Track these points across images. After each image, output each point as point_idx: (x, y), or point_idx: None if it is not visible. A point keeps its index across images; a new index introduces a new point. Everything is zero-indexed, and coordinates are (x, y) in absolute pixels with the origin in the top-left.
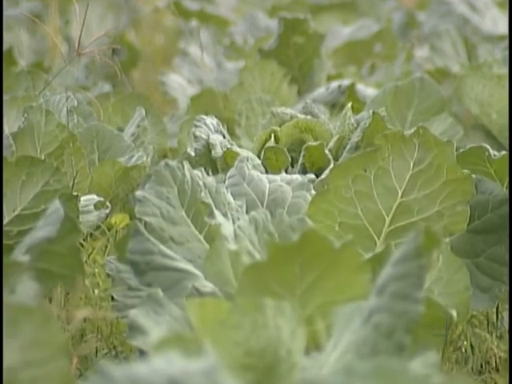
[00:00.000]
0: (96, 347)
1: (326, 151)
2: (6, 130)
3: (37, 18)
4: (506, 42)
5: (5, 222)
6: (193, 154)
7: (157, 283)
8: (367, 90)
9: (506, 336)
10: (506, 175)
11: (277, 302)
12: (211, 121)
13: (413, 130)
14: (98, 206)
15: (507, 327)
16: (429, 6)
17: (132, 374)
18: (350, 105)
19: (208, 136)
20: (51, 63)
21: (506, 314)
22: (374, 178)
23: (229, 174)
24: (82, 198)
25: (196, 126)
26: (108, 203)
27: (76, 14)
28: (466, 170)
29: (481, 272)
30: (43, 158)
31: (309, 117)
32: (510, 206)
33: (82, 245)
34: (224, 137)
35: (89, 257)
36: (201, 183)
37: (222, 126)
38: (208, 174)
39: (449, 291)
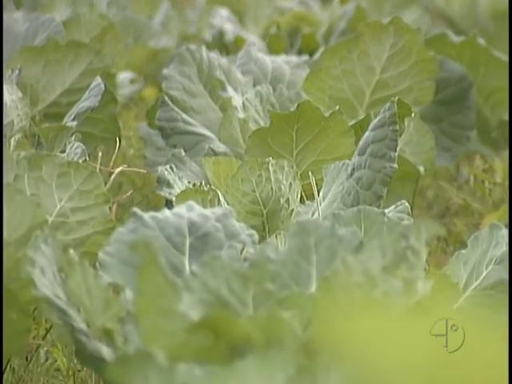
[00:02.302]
0: (131, 197)
1: (318, 37)
2: (58, 18)
3: None
4: None
5: (56, 95)
6: (210, 39)
7: (180, 145)
8: None
9: (464, 187)
10: (465, 57)
11: (277, 160)
12: (225, 12)
13: (389, 20)
14: (132, 81)
15: (464, 180)
16: None
17: (160, 219)
18: None
19: (222, 25)
20: None
21: (464, 170)
22: (357, 59)
23: (239, 55)
24: (120, 75)
25: (212, 17)
26: (141, 79)
27: None
28: (432, 53)
29: (444, 135)
30: (88, 42)
31: (304, 8)
32: (509, 204)
33: (119, 113)
34: (235, 25)
35: (125, 123)
36: (216, 63)
37: (234, 16)
38: (222, 55)
39: (417, 151)
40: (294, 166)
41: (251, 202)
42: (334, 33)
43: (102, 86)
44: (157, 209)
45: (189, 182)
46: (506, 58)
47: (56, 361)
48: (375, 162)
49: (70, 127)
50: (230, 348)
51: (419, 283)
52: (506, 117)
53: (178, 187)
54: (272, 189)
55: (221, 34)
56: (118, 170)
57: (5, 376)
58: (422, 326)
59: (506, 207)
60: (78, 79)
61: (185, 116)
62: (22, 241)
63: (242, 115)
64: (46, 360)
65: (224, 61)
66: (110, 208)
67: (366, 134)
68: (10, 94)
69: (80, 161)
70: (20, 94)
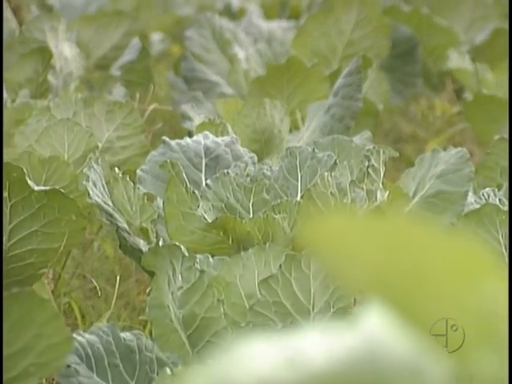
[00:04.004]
0: (161, 128)
1: (303, 7)
2: None
3: None
4: None
5: (105, 51)
6: (221, 8)
7: (199, 89)
8: None
9: (413, 120)
10: (413, 22)
11: (272, 100)
12: None
13: None
14: (162, 41)
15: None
16: None
17: (183, 144)
18: None
19: (230, 3)
20: None
21: (413, 107)
22: (332, 24)
23: (243, 21)
24: (152, 36)
25: None
26: (168, 39)
27: None
28: (387, 19)
29: (397, 81)
30: (128, 11)
31: None
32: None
33: (152, 65)
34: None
35: (157, 73)
36: (226, 27)
37: None
38: (230, 21)
39: (377, 93)
40: (285, 105)
41: (252, 132)
42: (314, 4)
43: (139, 44)
44: (181, 137)
45: (205, 117)
46: (444, 22)
47: (105, 251)
48: (345, 102)
49: (115, 76)
50: (236, 242)
51: (378, 193)
52: (444, 67)
53: (197, 121)
54: (268, 122)
55: (229, 5)
56: (151, 107)
57: (67, 263)
58: (380, 225)
59: (444, 135)
60: (120, 39)
61: (202, 67)
62: (79, 161)
63: (245, 66)
64: (98, 250)
65: (231, 25)
66: (145, 136)
67: (339, 80)
68: (71, 50)
69: (123, 101)
70: (77, 50)
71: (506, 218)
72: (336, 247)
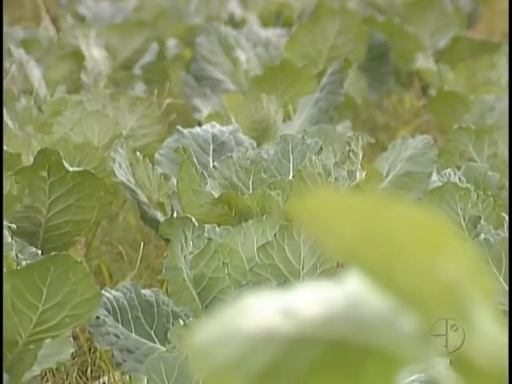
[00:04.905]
0: (175, 119)
1: (294, 17)
2: (130, 6)
3: None
4: None
5: (128, 54)
6: (226, 18)
7: (207, 86)
8: None
9: (386, 112)
10: (387, 31)
11: (268, 96)
12: (235, 0)
13: (339, 6)
14: (176, 46)
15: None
16: None
17: (194, 132)
18: None
19: (233, 9)
20: None
21: (386, 101)
22: (318, 32)
23: (244, 29)
24: (169, 42)
25: (227, 3)
26: (182, 44)
27: None
28: (365, 28)
29: (373, 80)
30: (148, 21)
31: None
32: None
33: (168, 66)
34: (242, 9)
35: (172, 72)
36: (229, 34)
37: (241, 3)
38: (233, 29)
39: (356, 89)
40: (279, 100)
41: (251, 122)
42: (304, 15)
43: (157, 48)
44: (192, 126)
45: (212, 110)
46: (412, 30)
47: (129, 221)
48: (330, 97)
49: (137, 75)
50: (238, 215)
51: (357, 173)
52: (412, 68)
53: (206, 113)
54: (265, 114)
55: (232, 15)
56: (167, 101)
57: (97, 232)
58: (358, 201)
59: (412, 125)
60: (141, 44)
61: (210, 67)
62: (106, 146)
63: (246, 67)
64: (123, 221)
65: (234, 33)
66: (162, 126)
67: (324, 79)
68: (100, 53)
69: (143, 96)
70: (105, 54)
71: (464, 193)
72: (320, 220)
